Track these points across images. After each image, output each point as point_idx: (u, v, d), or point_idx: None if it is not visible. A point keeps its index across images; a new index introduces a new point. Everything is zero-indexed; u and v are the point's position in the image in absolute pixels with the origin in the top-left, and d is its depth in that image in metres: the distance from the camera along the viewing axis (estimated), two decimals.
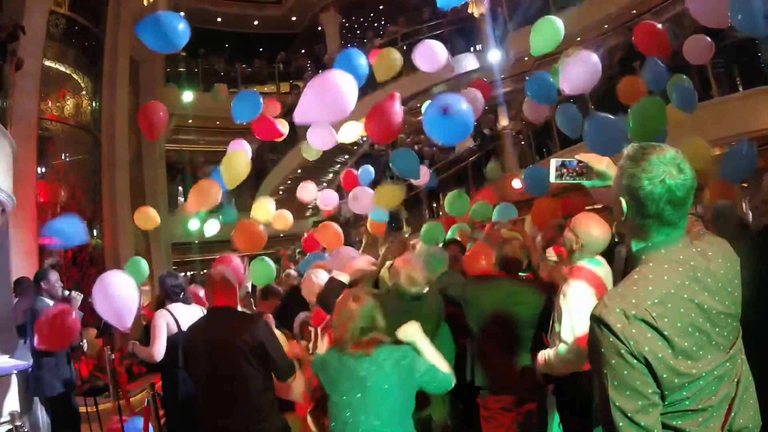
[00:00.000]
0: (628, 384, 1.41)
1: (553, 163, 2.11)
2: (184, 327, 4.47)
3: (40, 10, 7.92)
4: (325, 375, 2.80)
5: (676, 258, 1.51)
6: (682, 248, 1.53)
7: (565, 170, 2.09)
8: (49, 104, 8.59)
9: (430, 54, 6.13)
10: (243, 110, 6.07)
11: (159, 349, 4.52)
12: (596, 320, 1.47)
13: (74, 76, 9.18)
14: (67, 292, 5.26)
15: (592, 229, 3.05)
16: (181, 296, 4.89)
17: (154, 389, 5.56)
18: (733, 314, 1.54)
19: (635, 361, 1.40)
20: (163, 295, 4.94)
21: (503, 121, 14.84)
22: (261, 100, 6.12)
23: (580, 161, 2.08)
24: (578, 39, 13.62)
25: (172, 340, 4.59)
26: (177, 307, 4.72)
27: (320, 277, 4.48)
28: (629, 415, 1.41)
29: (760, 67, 8.54)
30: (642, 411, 1.41)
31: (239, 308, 3.68)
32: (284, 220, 7.47)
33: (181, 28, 4.44)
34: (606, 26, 13.01)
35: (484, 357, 3.70)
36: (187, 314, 4.64)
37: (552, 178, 2.09)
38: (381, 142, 5.18)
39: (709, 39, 6.34)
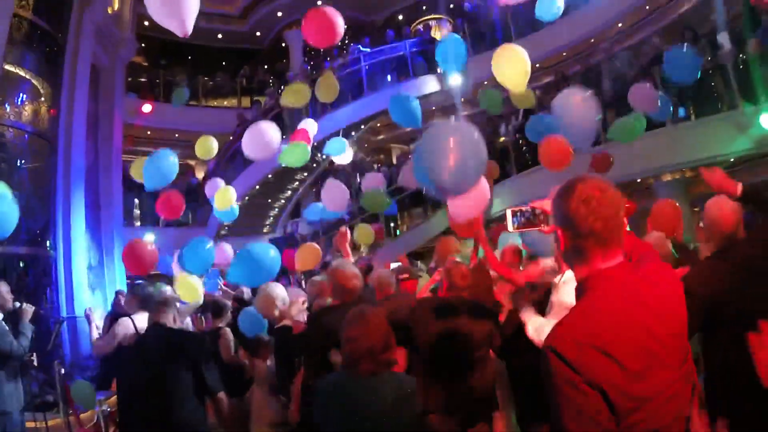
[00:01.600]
0: (583, 412, 1.44)
1: (509, 214, 2.19)
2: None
3: (3, 13, 7.74)
4: (324, 398, 2.65)
5: (621, 284, 1.58)
6: (626, 274, 1.61)
7: (522, 218, 2.16)
8: (7, 109, 8.36)
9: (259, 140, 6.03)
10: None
11: (104, 345, 4.67)
12: (549, 350, 1.50)
13: (34, 81, 8.97)
14: (18, 304, 5.11)
15: None
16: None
17: (104, 405, 5.46)
18: (680, 334, 1.62)
19: (589, 388, 1.43)
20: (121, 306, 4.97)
21: None
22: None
23: (534, 209, 2.16)
24: (537, 65, 14.09)
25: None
26: (137, 317, 4.80)
27: None
28: None
29: (713, 97, 8.95)
30: None
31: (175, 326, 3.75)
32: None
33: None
34: (564, 54, 13.45)
35: (430, 378, 3.69)
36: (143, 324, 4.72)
37: (510, 228, 2.18)
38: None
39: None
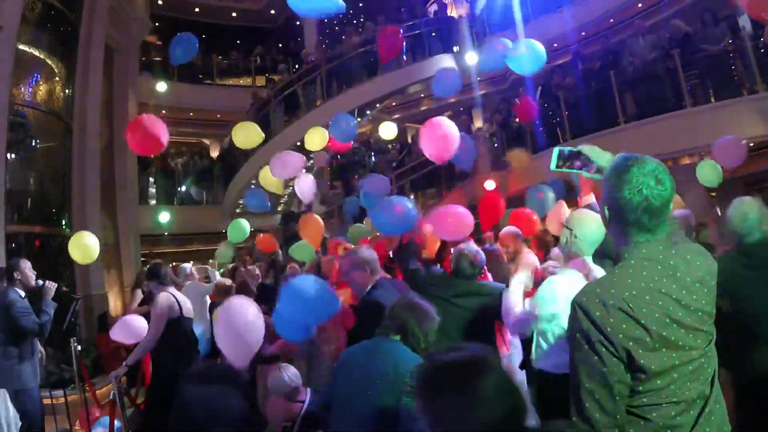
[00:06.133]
0: (597, 369, 1.56)
1: (556, 151, 2.16)
2: (185, 308, 4.92)
3: None
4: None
5: (655, 257, 1.66)
6: (662, 249, 1.68)
7: (566, 159, 2.16)
8: (21, 89, 8.36)
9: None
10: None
11: (159, 332, 4.76)
12: (577, 305, 1.62)
13: (48, 61, 8.96)
14: (41, 282, 5.16)
15: (584, 221, 3.02)
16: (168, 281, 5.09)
17: (120, 383, 5.52)
18: (709, 312, 1.68)
19: (604, 349, 1.55)
20: (157, 281, 5.05)
21: (478, 123, 14.95)
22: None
23: (581, 153, 2.12)
24: (555, 45, 13.89)
25: (176, 321, 4.83)
26: (174, 291, 5.01)
27: None
28: (596, 397, 1.56)
29: (733, 79, 8.76)
30: (609, 398, 1.55)
31: None
32: None
33: None
34: (583, 33, 13.26)
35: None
36: (181, 296, 5.00)
37: (552, 166, 2.19)
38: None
39: None
